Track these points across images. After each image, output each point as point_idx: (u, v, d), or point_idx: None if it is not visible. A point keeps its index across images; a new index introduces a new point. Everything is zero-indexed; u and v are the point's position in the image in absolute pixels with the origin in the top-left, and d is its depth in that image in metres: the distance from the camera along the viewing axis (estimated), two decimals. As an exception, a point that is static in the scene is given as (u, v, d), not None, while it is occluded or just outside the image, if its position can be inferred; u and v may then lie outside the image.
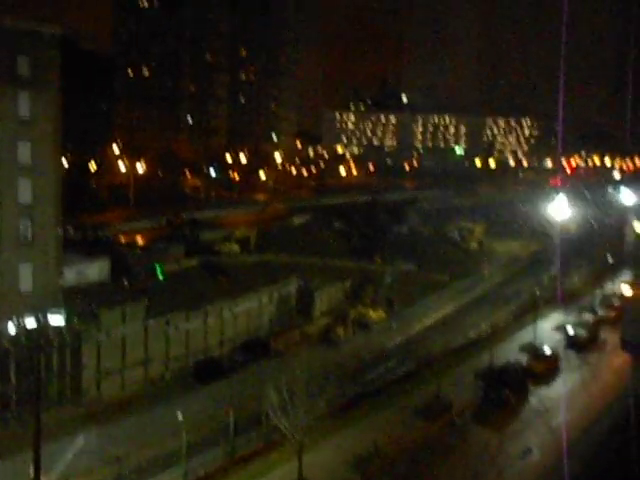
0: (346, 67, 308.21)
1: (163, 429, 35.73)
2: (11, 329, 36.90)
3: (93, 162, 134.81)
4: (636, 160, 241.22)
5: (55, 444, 33.47)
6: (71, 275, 53.37)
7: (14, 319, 36.81)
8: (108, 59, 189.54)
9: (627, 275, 75.74)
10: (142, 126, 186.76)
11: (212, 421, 36.79)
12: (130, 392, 44.55)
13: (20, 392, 38.24)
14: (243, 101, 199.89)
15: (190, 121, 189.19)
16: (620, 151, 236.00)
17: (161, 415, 38.42)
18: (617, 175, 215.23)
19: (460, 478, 34.51)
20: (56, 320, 29.77)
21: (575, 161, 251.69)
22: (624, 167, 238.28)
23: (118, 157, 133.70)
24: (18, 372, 38.14)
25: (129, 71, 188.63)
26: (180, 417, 32.98)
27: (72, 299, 46.44)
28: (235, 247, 77.37)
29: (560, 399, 44.90)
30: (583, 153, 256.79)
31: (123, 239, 77.77)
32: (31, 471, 26.16)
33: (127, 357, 45.03)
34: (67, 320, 34.01)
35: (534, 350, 52.04)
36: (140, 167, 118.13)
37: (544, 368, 49.21)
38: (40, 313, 28.98)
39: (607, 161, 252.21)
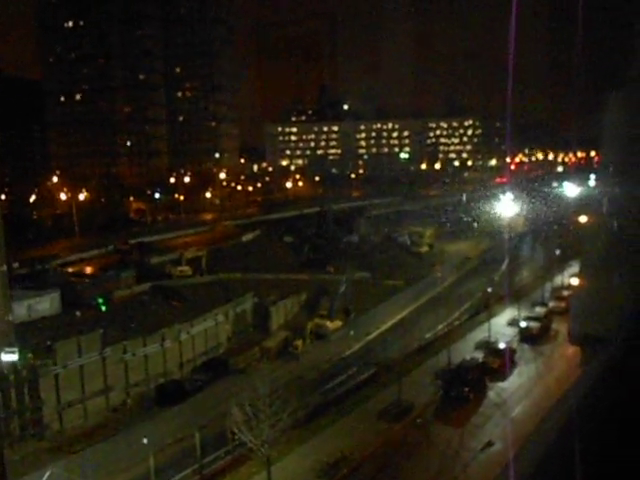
0: (283, 79, 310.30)
1: (130, 455, 35.29)
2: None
3: (32, 193, 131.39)
4: (578, 153, 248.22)
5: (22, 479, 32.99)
6: (22, 310, 52.38)
7: (-33, 360, 36.04)
8: (38, 85, 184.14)
9: (575, 266, 76.90)
10: (80, 152, 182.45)
11: (178, 443, 36.71)
12: (93, 422, 43.93)
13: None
14: (182, 120, 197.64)
15: (129, 143, 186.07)
16: (561, 145, 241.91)
17: (126, 442, 37.97)
18: (560, 169, 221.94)
19: (425, 475, 35.12)
20: (10, 357, 29.30)
21: (519, 158, 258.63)
22: (566, 161, 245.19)
23: (58, 186, 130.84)
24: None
25: (61, 97, 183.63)
26: (145, 441, 32.86)
27: (25, 334, 45.70)
28: (186, 269, 76.94)
29: (517, 391, 46.05)
30: (526, 150, 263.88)
31: (71, 269, 76.33)
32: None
33: (87, 387, 44.39)
34: (21, 356, 33.46)
35: (489, 346, 53.15)
36: (82, 194, 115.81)
37: (500, 363, 50.01)
38: (-7, 351, 28.50)
39: (550, 156, 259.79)
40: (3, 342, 37.55)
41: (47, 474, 33.06)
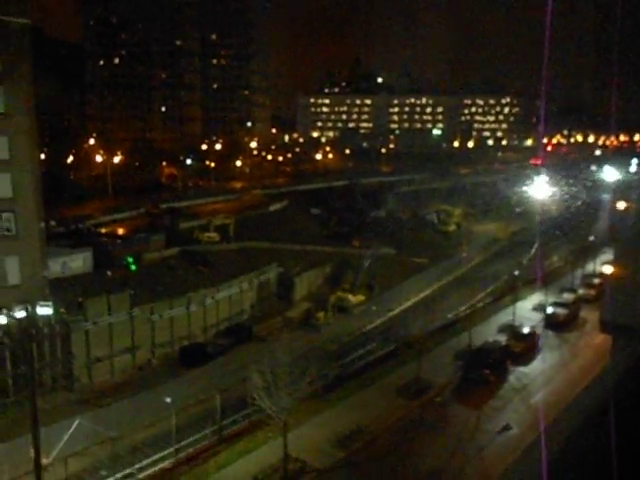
0: (319, 49, 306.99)
1: (153, 412, 36.46)
2: (2, 320, 37.54)
3: (69, 154, 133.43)
4: (621, 137, 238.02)
5: (51, 428, 34.37)
6: (56, 267, 54.06)
7: (4, 311, 37.40)
8: (77, 48, 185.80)
9: (609, 254, 73.88)
10: (116, 116, 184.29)
11: (199, 404, 37.75)
12: (119, 378, 45.54)
13: (16, 380, 39.30)
14: (215, 87, 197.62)
15: (164, 109, 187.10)
16: (603, 128, 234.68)
17: (150, 399, 39.35)
18: (598, 152, 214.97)
19: (440, 454, 35.19)
20: (45, 311, 30.54)
21: (557, 139, 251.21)
22: (607, 144, 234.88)
23: (94, 148, 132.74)
24: (12, 361, 39.13)
25: (100, 60, 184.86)
26: (169, 400, 33.96)
27: (59, 290, 47.19)
28: (214, 235, 77.93)
29: (538, 377, 45.20)
30: (565, 131, 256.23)
31: (104, 230, 77.96)
32: (31, 452, 27.17)
33: (115, 345, 45.97)
34: (55, 311, 34.77)
35: (513, 330, 52.00)
36: (116, 158, 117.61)
37: (523, 347, 49.10)
38: (29, 304, 29.66)
39: (591, 138, 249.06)
40: (38, 296, 38.97)
41: (75, 424, 34.50)
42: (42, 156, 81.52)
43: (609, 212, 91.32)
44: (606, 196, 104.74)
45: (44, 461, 28.98)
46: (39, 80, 53.50)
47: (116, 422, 35.66)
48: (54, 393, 41.50)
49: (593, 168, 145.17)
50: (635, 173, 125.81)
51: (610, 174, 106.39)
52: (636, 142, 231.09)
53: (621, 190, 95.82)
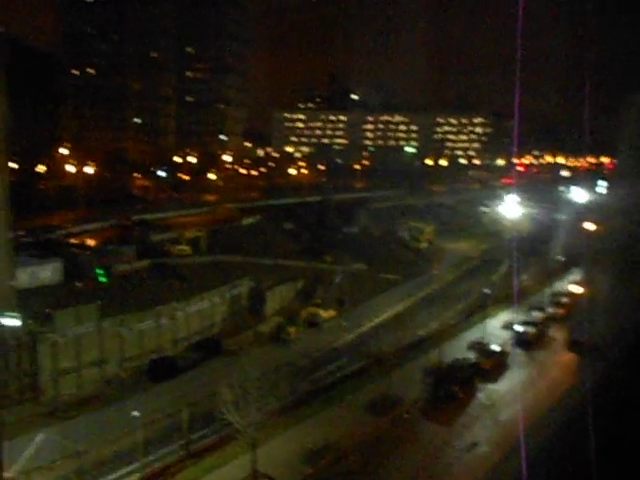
0: (294, 65, 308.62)
1: (121, 426, 35.84)
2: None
3: (39, 163, 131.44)
4: (589, 159, 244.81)
5: (16, 441, 33.62)
6: (24, 277, 53.17)
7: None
8: (52, 57, 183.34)
9: (577, 274, 76.41)
10: (89, 126, 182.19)
11: (167, 418, 37.38)
12: (87, 392, 44.63)
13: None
14: (190, 100, 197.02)
15: (138, 121, 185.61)
16: (572, 150, 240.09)
17: (118, 413, 38.71)
18: (565, 173, 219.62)
19: (408, 470, 35.36)
20: (11, 322, 30.05)
21: (528, 159, 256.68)
22: (577, 165, 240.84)
23: (65, 158, 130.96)
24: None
25: (74, 70, 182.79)
26: (136, 414, 33.70)
27: (26, 301, 46.35)
28: (186, 248, 77.51)
29: (507, 395, 46.01)
30: (536, 152, 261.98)
31: (74, 241, 76.84)
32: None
33: (83, 357, 45.06)
34: (22, 322, 34.10)
35: (482, 347, 52.83)
36: (89, 168, 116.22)
37: (492, 365, 50.05)
38: (-4, 315, 29.23)
39: (560, 159, 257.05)
40: (5, 306, 38.23)
41: (40, 437, 33.86)
42: (12, 164, 79.49)
43: (578, 233, 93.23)
44: (574, 217, 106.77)
45: (7, 475, 28.38)
46: (13, 88, 52.85)
47: (83, 436, 35.06)
48: (20, 406, 40.50)
49: (561, 189, 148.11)
50: (602, 195, 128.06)
51: (579, 195, 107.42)
52: (603, 164, 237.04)
53: (589, 211, 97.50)
